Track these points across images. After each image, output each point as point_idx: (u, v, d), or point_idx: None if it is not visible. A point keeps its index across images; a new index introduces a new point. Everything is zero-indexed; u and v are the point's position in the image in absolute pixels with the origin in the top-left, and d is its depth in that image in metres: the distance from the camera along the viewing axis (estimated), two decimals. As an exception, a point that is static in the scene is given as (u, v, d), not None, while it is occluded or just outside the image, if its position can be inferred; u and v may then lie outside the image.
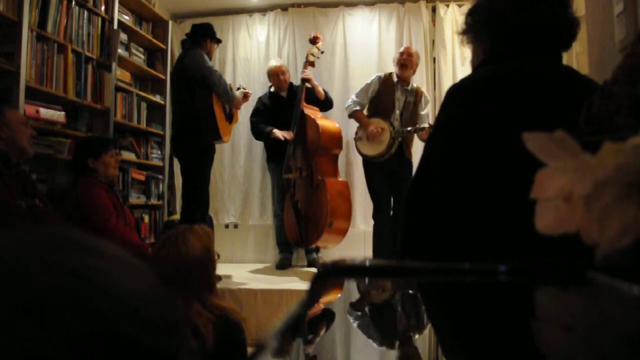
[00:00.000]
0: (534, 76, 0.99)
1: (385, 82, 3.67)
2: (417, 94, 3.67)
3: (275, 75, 4.04)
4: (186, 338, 0.32)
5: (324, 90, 4.02)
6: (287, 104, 3.97)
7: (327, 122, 3.89)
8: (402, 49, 3.73)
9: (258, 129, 3.98)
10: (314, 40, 4.02)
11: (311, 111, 3.89)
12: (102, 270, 0.29)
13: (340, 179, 3.95)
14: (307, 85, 3.89)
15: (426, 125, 3.51)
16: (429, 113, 3.71)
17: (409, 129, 3.56)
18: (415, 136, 3.66)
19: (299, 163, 3.82)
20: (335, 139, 3.87)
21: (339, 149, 3.94)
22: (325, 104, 4.01)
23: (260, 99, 4.11)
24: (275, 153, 3.96)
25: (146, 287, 0.31)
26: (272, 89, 4.11)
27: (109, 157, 2.77)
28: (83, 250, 0.31)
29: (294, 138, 3.81)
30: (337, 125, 3.96)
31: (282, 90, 4.07)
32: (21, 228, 0.31)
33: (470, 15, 1.11)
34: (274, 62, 4.19)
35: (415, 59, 3.65)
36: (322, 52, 4.10)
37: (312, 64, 3.97)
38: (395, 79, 3.66)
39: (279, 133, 3.83)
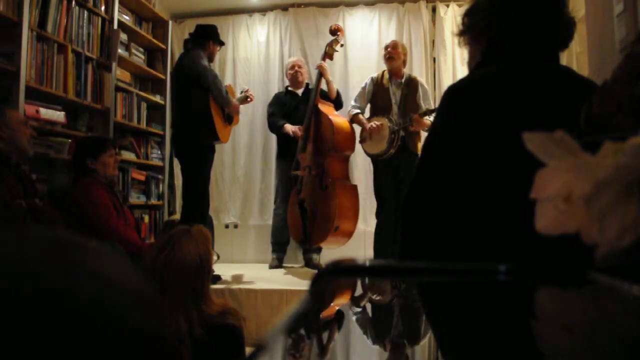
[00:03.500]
0: (532, 77, 0.99)
1: (378, 81, 3.72)
2: (412, 83, 3.67)
3: (290, 68, 4.04)
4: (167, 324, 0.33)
5: (337, 90, 3.98)
6: (301, 102, 3.94)
7: (341, 120, 3.80)
8: (386, 44, 3.78)
9: (271, 122, 3.96)
10: (334, 32, 3.89)
11: (326, 108, 3.82)
12: (92, 264, 0.31)
13: (350, 183, 3.90)
14: (323, 83, 3.84)
15: (415, 114, 3.49)
16: (430, 103, 3.68)
17: (404, 119, 3.56)
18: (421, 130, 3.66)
19: (308, 160, 3.75)
20: (349, 140, 3.79)
21: (351, 151, 3.86)
22: (334, 103, 3.96)
23: (276, 94, 4.14)
24: (285, 150, 3.93)
25: (132, 279, 0.33)
26: (289, 87, 4.10)
27: (107, 157, 2.77)
28: (73, 247, 0.32)
29: (305, 134, 3.75)
30: (350, 124, 3.87)
31: (298, 87, 4.05)
32: (14, 228, 0.32)
33: (467, 16, 1.10)
34: (292, 57, 4.25)
35: (400, 50, 3.70)
36: (342, 45, 4.01)
37: (330, 57, 3.87)
38: (387, 75, 3.69)
39: (289, 128, 3.81)
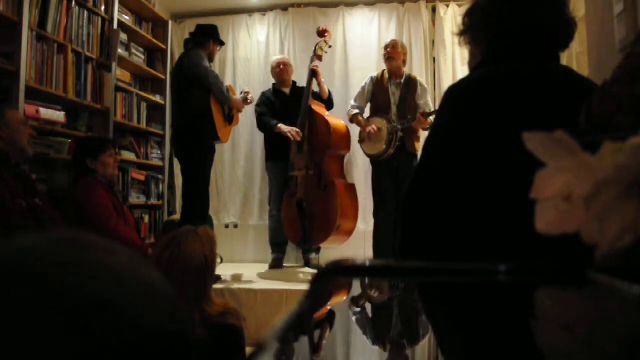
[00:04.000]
0: (532, 77, 0.99)
1: (378, 81, 3.72)
2: (411, 83, 3.67)
3: (275, 67, 4.01)
4: (195, 327, 0.33)
5: (328, 90, 3.97)
6: (290, 102, 3.92)
7: (336, 121, 3.83)
8: (385, 44, 3.76)
9: (262, 121, 3.89)
10: (322, 34, 3.91)
11: (319, 108, 3.82)
12: (117, 267, 0.30)
13: (348, 181, 3.93)
14: (314, 84, 3.84)
15: (419, 112, 3.49)
16: (428, 101, 3.68)
17: (401, 122, 3.56)
18: (421, 129, 3.67)
19: (305, 161, 3.74)
20: (345, 140, 3.83)
21: (347, 150, 3.89)
22: (327, 104, 3.96)
23: (264, 93, 4.06)
24: (275, 152, 3.90)
25: (158, 281, 0.32)
26: (276, 86, 4.06)
27: (107, 157, 2.77)
28: (96, 249, 0.31)
29: (301, 135, 3.74)
30: (344, 124, 3.90)
31: (285, 86, 4.03)
32: (35, 232, 0.31)
33: (468, 16, 1.11)
34: (277, 56, 4.21)
35: (399, 49, 3.69)
36: (330, 47, 4.01)
37: (319, 58, 3.86)
38: (387, 75, 3.69)
39: (284, 128, 3.73)
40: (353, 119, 3.78)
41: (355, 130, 3.95)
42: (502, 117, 0.95)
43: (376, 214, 3.68)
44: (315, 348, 0.43)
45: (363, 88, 3.78)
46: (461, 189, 0.94)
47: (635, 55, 0.61)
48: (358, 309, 0.58)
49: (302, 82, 4.00)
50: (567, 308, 0.47)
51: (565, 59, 3.29)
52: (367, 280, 0.63)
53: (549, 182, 0.42)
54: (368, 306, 0.60)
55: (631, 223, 0.39)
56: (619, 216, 0.39)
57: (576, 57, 3.13)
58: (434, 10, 4.51)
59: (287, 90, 4.02)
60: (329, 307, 0.58)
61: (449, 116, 1.03)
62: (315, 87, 3.90)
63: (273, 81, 4.13)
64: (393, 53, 3.64)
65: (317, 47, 3.87)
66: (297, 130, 3.72)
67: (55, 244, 0.31)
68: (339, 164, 3.87)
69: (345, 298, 0.61)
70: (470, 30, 1.10)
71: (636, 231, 0.39)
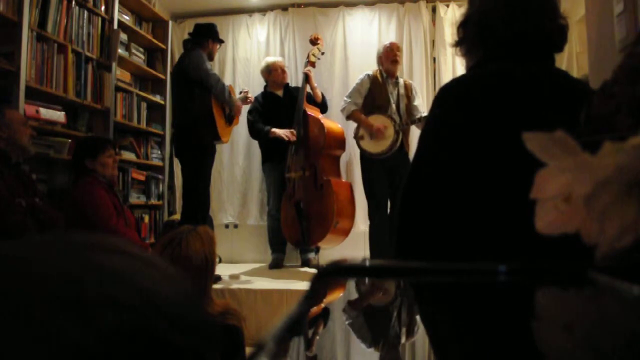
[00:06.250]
0: (526, 76, 0.99)
1: (375, 79, 3.71)
2: (406, 86, 3.75)
3: (275, 70, 4.01)
4: (218, 340, 0.32)
5: (321, 93, 4.01)
6: (283, 103, 3.95)
7: (331, 123, 3.90)
8: (387, 44, 3.78)
9: (255, 128, 3.92)
10: (314, 41, 4.04)
11: (313, 111, 3.88)
12: (136, 271, 0.30)
13: (344, 180, 3.97)
14: (308, 88, 3.88)
15: (425, 113, 3.53)
16: (422, 103, 3.76)
17: (413, 119, 3.58)
18: (413, 127, 3.70)
19: (301, 163, 3.79)
20: (340, 140, 3.89)
21: (342, 150, 3.95)
22: (320, 107, 4.00)
23: (255, 97, 4.04)
24: (271, 153, 3.94)
25: (179, 289, 0.32)
26: (268, 88, 4.07)
27: (106, 157, 2.76)
28: (115, 252, 0.31)
29: (297, 137, 3.78)
30: (340, 126, 3.97)
31: (278, 88, 4.04)
32: (53, 235, 0.31)
33: (462, 27, 1.11)
34: (273, 57, 4.20)
35: (401, 53, 3.83)
36: (323, 53, 4.10)
37: (313, 65, 3.97)
38: (384, 75, 3.70)
39: (279, 132, 3.78)
40: (352, 115, 3.70)
41: (350, 129, 3.96)
42: (496, 115, 0.95)
43: (372, 214, 3.67)
44: (315, 348, 0.43)
45: (359, 85, 3.72)
46: (457, 188, 0.94)
47: (635, 55, 0.61)
48: (356, 310, 0.58)
49: (297, 83, 4.03)
50: (567, 308, 0.47)
51: (565, 58, 3.29)
52: (366, 280, 0.63)
53: (549, 182, 0.42)
54: (367, 306, 0.60)
55: (631, 223, 0.39)
56: (619, 216, 0.39)
57: (576, 57, 3.14)
58: (434, 10, 4.52)
59: (279, 93, 4.04)
60: (328, 306, 0.58)
61: (443, 114, 1.03)
62: (309, 91, 3.94)
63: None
64: (399, 56, 3.72)
65: (310, 54, 3.97)
66: (292, 130, 3.78)
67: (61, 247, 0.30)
68: (334, 163, 3.91)
69: (343, 297, 0.61)
70: (465, 42, 1.10)
71: (636, 231, 0.39)
